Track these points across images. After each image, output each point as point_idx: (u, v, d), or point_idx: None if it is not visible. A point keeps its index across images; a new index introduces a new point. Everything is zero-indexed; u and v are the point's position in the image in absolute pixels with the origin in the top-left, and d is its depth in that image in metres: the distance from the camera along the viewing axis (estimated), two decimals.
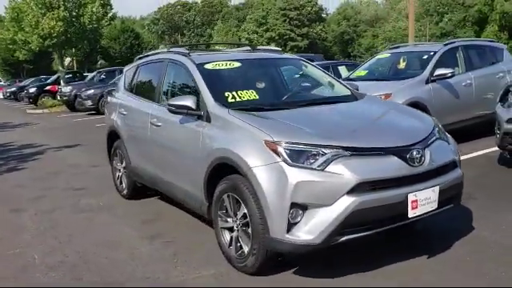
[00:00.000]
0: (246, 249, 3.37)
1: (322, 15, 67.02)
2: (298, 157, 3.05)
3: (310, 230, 2.99)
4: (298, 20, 62.41)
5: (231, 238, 3.53)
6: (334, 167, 3.00)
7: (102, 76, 21.07)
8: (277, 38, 60.88)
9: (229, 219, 3.55)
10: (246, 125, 3.40)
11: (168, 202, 5.30)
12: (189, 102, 3.84)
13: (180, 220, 4.75)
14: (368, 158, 3.10)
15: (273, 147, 3.11)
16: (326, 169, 3.00)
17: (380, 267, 3.36)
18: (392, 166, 3.11)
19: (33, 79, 32.23)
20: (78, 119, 16.77)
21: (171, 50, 4.90)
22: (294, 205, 2.99)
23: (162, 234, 4.37)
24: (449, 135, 3.80)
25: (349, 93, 4.43)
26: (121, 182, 5.67)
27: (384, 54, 8.54)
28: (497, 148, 6.05)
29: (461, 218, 4.22)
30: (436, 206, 3.25)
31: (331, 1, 72.34)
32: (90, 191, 6.11)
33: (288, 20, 61.80)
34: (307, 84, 4.65)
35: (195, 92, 4.04)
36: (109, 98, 6.12)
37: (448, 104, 7.08)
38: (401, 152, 3.16)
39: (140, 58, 5.81)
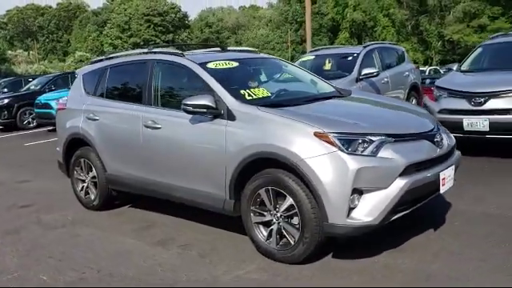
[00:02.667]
0: (291, 239, 3.49)
1: (186, 22, 67.34)
2: (350, 145, 3.28)
3: (370, 212, 3.24)
4: (163, 26, 61.98)
5: (270, 231, 3.62)
6: (384, 153, 3.29)
7: None
8: (142, 43, 59.60)
9: (265, 213, 3.63)
10: (287, 119, 3.52)
11: (145, 209, 5.14)
12: (207, 100, 3.82)
13: (176, 224, 4.65)
14: (407, 143, 3.47)
15: (325, 138, 3.29)
16: (378, 155, 3.28)
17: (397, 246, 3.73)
18: (426, 149, 3.52)
19: None
20: None
21: (155, 50, 4.76)
22: (354, 190, 3.22)
23: (171, 239, 4.25)
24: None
25: (333, 89, 4.77)
26: (87, 193, 5.28)
27: (308, 57, 9.12)
28: None
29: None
30: (453, 183, 3.75)
31: (193, 7, 72.81)
32: (42, 207, 5.58)
33: (152, 26, 61.00)
34: (299, 81, 4.87)
35: (207, 91, 4.00)
36: (59, 105, 5.66)
37: None
38: (429, 136, 3.60)
39: (97, 61, 5.49)
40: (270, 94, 4.12)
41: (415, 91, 9.40)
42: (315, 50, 9.30)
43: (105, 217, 5.08)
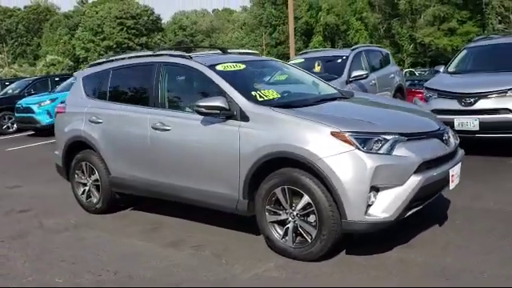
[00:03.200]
0: (308, 237, 3.57)
1: (159, 25, 66.85)
2: (366, 144, 3.39)
3: (386, 208, 3.35)
4: (136, 29, 61.40)
5: (286, 229, 3.69)
6: (399, 151, 3.41)
7: None
8: (115, 46, 58.96)
9: (280, 212, 3.71)
10: (303, 119, 3.60)
11: (148, 211, 5.14)
12: (221, 102, 3.87)
13: (183, 225, 4.67)
14: (419, 142, 3.60)
15: (342, 137, 3.39)
16: (393, 153, 3.40)
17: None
18: (437, 147, 3.67)
19: None
20: None
21: (160, 53, 4.78)
22: (371, 188, 3.32)
23: (182, 240, 4.27)
24: None
25: (336, 91, 4.88)
26: (88, 197, 5.24)
27: (297, 60, 9.23)
28: None
29: None
30: (459, 179, 3.90)
31: (166, 10, 72.21)
32: (41, 211, 5.50)
33: (125, 29, 60.34)
34: (302, 83, 4.96)
35: (215, 93, 4.05)
36: (58, 108, 5.60)
37: None
38: (438, 135, 3.74)
39: (98, 64, 5.47)
40: (279, 96, 4.20)
41: (400, 92, 9.64)
42: (304, 53, 9.44)
43: (109, 220, 5.06)
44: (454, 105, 6.42)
